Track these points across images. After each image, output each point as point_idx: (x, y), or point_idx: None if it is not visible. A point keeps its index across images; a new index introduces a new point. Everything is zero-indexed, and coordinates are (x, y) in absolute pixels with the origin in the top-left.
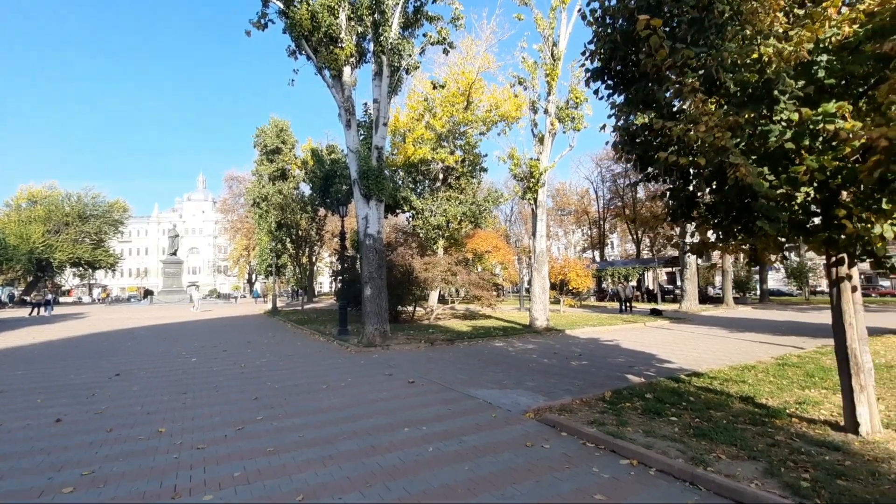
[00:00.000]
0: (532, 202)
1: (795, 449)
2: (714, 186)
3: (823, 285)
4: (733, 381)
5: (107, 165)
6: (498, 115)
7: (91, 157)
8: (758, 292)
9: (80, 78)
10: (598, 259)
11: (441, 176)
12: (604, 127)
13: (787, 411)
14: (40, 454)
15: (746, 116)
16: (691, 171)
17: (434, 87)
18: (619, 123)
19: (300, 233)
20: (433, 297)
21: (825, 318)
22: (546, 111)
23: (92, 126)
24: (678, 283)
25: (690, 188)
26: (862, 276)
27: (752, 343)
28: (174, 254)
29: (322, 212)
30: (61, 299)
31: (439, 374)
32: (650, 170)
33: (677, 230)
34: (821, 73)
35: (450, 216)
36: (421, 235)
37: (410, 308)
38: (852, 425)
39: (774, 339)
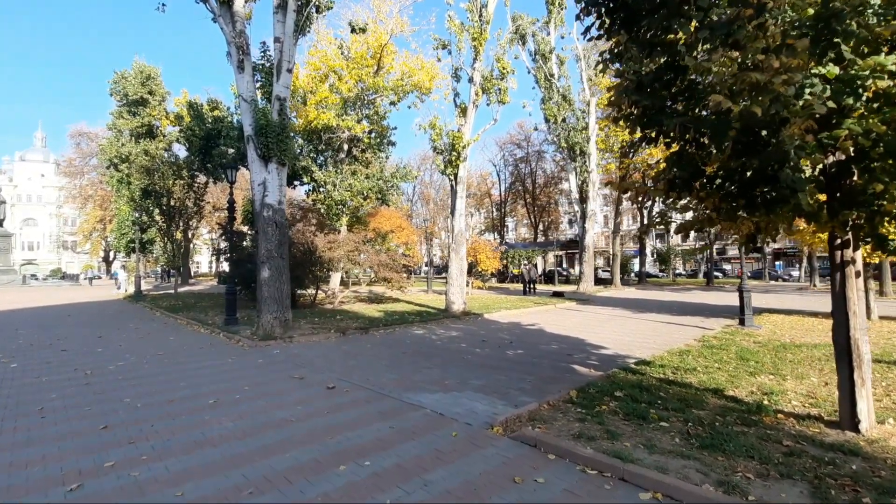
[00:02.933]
0: (452, 178)
1: (817, 458)
2: (739, 149)
3: (680, 268)
4: (683, 369)
5: None
6: (411, 85)
7: None
8: (633, 274)
9: None
10: (497, 241)
11: (346, 147)
12: (525, 106)
13: (765, 405)
14: None
15: (798, 62)
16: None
17: (353, 31)
18: (620, 68)
19: (173, 202)
20: (335, 279)
21: (699, 297)
22: (471, 80)
23: None
24: (564, 265)
25: (702, 152)
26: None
27: (662, 324)
28: (0, 224)
29: (202, 178)
30: None
31: (363, 373)
32: (652, 129)
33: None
34: (873, 20)
35: (355, 191)
36: (322, 211)
37: (310, 291)
38: (850, 422)
39: (677, 319)
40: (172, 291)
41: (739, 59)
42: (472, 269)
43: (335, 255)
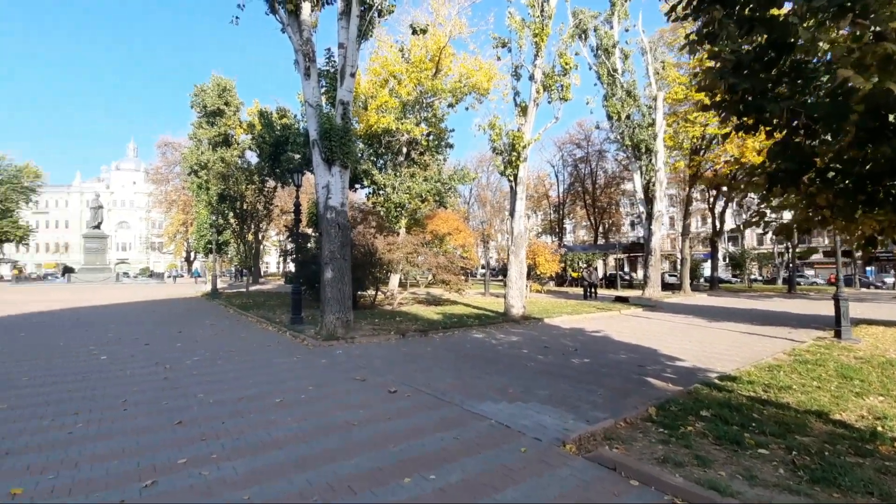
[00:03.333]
0: (512, 178)
1: None
2: (862, 136)
3: (756, 273)
4: (776, 387)
5: (16, 126)
6: (469, 86)
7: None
8: (703, 279)
9: None
10: (556, 244)
11: (405, 150)
12: (588, 102)
13: (880, 431)
14: None
15: None
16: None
17: (414, 32)
18: (715, 49)
19: (245, 206)
20: (394, 280)
21: (781, 305)
22: (531, 77)
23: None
24: (625, 268)
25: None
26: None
27: (743, 335)
28: (97, 227)
29: (271, 183)
30: None
31: (424, 378)
32: (751, 116)
33: (639, 213)
34: None
35: (413, 194)
36: (381, 214)
37: (370, 292)
38: None
39: (759, 329)
40: (244, 290)
41: (859, 33)
42: (529, 272)
43: (395, 257)
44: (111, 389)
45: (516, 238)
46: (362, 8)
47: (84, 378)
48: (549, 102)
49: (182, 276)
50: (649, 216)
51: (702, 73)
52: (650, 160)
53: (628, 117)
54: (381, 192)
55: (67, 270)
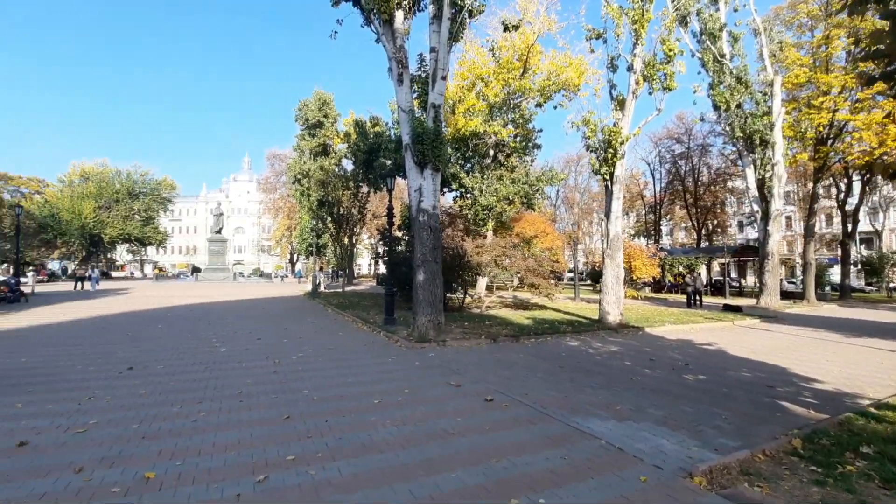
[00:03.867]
0: (608, 177)
1: None
2: None
3: None
4: None
5: (156, 146)
6: (558, 83)
7: (141, 138)
8: (829, 287)
9: (130, 59)
10: (654, 247)
11: (492, 152)
12: (696, 90)
13: None
14: None
15: None
16: None
17: (506, 29)
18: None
19: (342, 211)
20: (482, 283)
21: None
22: (630, 68)
23: (142, 106)
24: (733, 274)
25: None
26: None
27: (893, 353)
28: (219, 232)
29: (364, 189)
30: (113, 274)
31: (521, 386)
32: None
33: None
34: None
35: (501, 196)
36: (469, 217)
37: (459, 295)
38: None
39: None
40: (340, 290)
41: None
42: (625, 277)
43: (483, 260)
44: (230, 380)
45: (612, 241)
46: (453, 10)
47: (207, 368)
48: (650, 94)
49: (287, 276)
50: (765, 215)
51: (869, 37)
52: (765, 153)
53: (739, 106)
54: (468, 194)
55: (195, 270)
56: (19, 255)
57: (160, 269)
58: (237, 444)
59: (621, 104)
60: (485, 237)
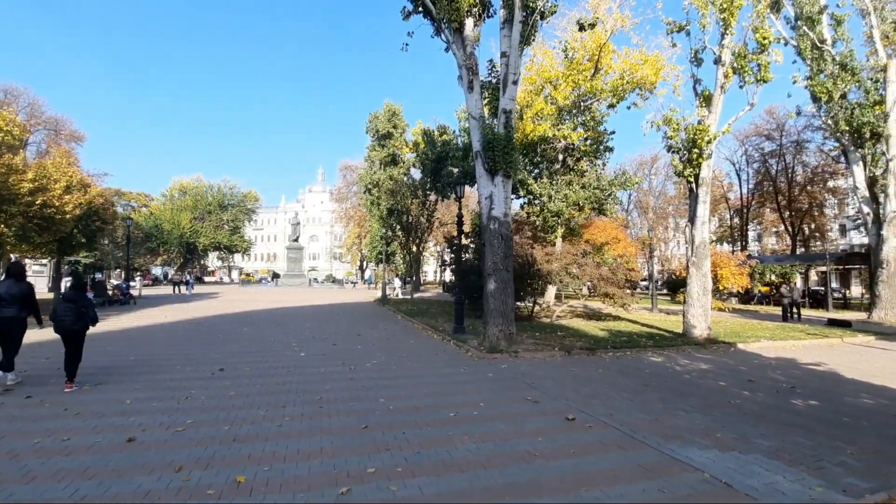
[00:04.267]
0: (693, 179)
1: None
2: None
3: None
4: None
5: (242, 161)
6: (632, 82)
7: (230, 154)
8: None
9: (223, 80)
10: (744, 254)
11: (560, 157)
12: (795, 81)
13: None
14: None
15: None
16: None
17: (581, 28)
18: None
19: (410, 219)
20: (551, 291)
21: None
22: (717, 60)
23: (230, 126)
24: (833, 284)
25: None
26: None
27: None
28: (296, 240)
29: (432, 197)
30: (206, 279)
31: (604, 406)
32: None
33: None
34: None
35: (570, 202)
36: (537, 223)
37: (527, 304)
38: None
39: None
40: (409, 297)
41: None
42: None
43: (553, 268)
44: (310, 385)
45: (698, 248)
46: (525, 13)
47: (289, 372)
48: (741, 87)
49: (357, 282)
50: (877, 218)
51: None
52: (876, 147)
53: (843, 96)
54: (536, 201)
55: (275, 276)
56: (130, 261)
57: (248, 275)
58: (319, 452)
59: (707, 100)
60: (553, 244)
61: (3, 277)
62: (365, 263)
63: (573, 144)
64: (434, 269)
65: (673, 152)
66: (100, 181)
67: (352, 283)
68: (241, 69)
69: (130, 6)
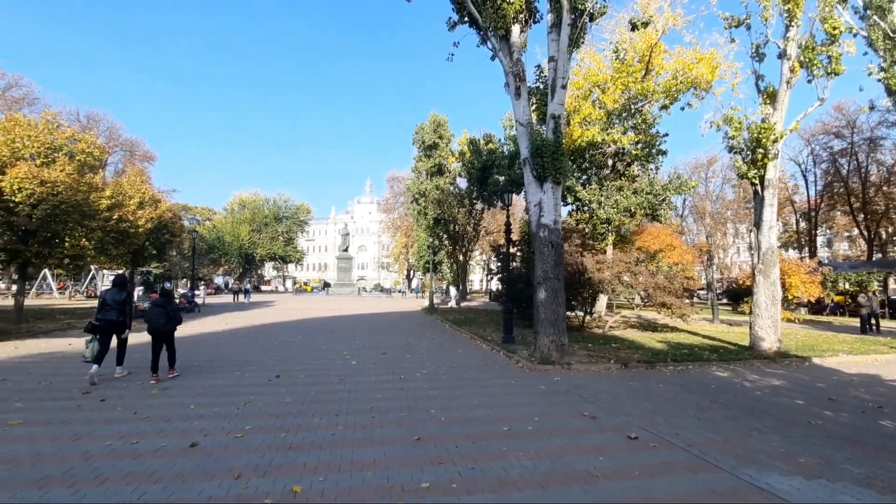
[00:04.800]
0: (757, 181)
1: None
2: None
3: None
4: None
5: (295, 174)
6: (687, 82)
7: (284, 167)
8: None
9: (275, 103)
10: (814, 261)
11: (610, 162)
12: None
13: None
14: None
15: None
16: None
17: (634, 28)
18: None
19: (457, 228)
20: (602, 301)
21: None
22: (782, 55)
23: (284, 139)
24: None
25: None
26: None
27: None
28: (345, 250)
29: (479, 206)
30: (262, 288)
31: (668, 424)
32: None
33: None
34: None
35: (621, 208)
36: (587, 231)
37: (579, 314)
38: None
39: None
40: (455, 306)
41: None
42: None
43: (604, 277)
44: (361, 394)
45: (764, 254)
46: (573, 16)
47: (341, 380)
48: (809, 81)
49: (403, 291)
50: None
51: None
52: None
53: None
54: (585, 208)
55: (326, 285)
56: (195, 271)
57: (305, 284)
58: (373, 463)
59: (772, 97)
60: (604, 252)
61: (109, 287)
62: (412, 273)
63: (623, 149)
64: (480, 279)
65: (735, 153)
66: (169, 197)
67: (401, 291)
68: (292, 84)
69: (189, 29)
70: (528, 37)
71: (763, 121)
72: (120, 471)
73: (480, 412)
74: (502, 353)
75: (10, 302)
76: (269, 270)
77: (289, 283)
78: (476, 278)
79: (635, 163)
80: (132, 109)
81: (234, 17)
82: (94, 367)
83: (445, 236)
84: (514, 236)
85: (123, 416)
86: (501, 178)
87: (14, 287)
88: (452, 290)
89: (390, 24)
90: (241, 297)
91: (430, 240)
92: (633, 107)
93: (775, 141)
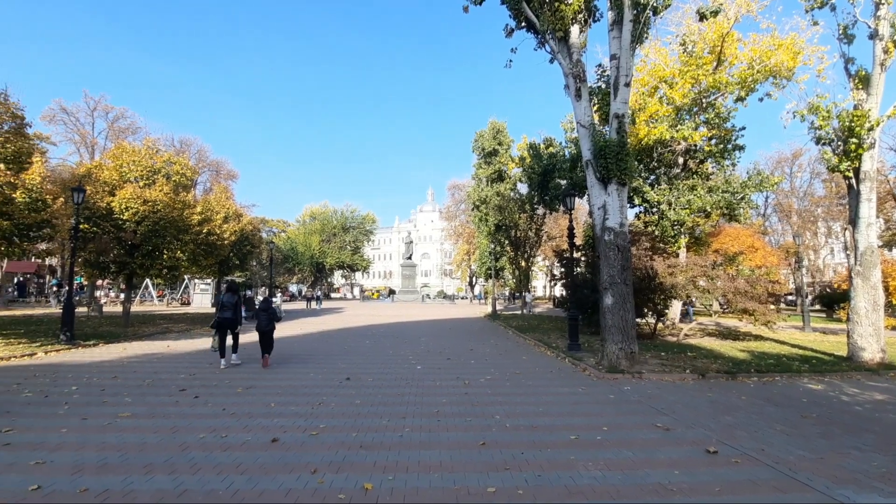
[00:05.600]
0: (851, 174)
1: None
2: None
3: None
4: None
5: (360, 184)
6: (765, 71)
7: (349, 178)
8: None
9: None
10: None
11: (680, 161)
12: None
13: None
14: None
15: None
16: None
17: (702, 18)
18: None
19: (518, 234)
20: (676, 307)
21: None
22: (873, 35)
23: (351, 151)
24: None
25: None
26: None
27: None
28: (409, 258)
29: (540, 211)
30: (332, 295)
31: (752, 438)
32: None
33: None
34: None
35: (694, 208)
36: (656, 234)
37: (650, 321)
38: None
39: None
40: (518, 312)
41: None
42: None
43: (677, 282)
44: (427, 398)
45: (863, 254)
46: (636, 11)
47: (408, 384)
48: None
49: (466, 298)
50: None
51: None
52: None
53: None
54: (653, 209)
55: (391, 292)
56: (272, 280)
57: (373, 292)
58: (439, 465)
59: (864, 81)
60: (676, 255)
61: (225, 291)
62: (474, 279)
63: (695, 145)
64: (543, 285)
65: (823, 144)
66: (249, 211)
67: (463, 298)
68: (357, 95)
69: (260, 46)
70: (588, 36)
71: (855, 107)
72: (212, 461)
73: (546, 420)
74: (568, 361)
75: (119, 308)
76: (337, 278)
77: (356, 291)
78: (539, 284)
79: (709, 160)
80: (216, 132)
81: (303, 36)
82: (223, 361)
83: (507, 242)
84: (578, 241)
85: (213, 411)
86: (563, 182)
87: (122, 295)
88: (527, 296)
89: (450, 33)
90: (314, 304)
91: (492, 246)
92: (704, 101)
93: (871, 129)
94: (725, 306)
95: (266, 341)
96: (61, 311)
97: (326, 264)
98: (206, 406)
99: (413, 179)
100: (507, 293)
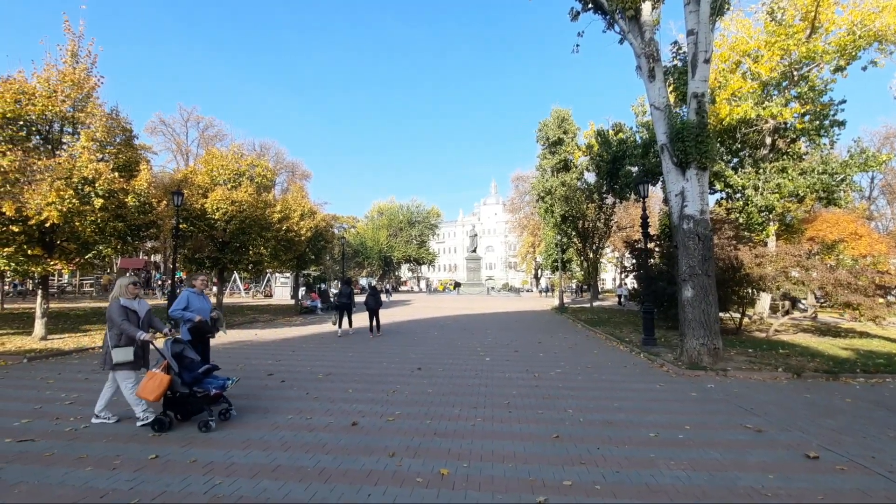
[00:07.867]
0: None
1: None
2: None
3: None
4: None
5: (425, 178)
6: (868, 36)
7: (415, 172)
8: None
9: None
10: None
11: (768, 141)
12: None
13: None
14: (317, 478)
15: None
16: None
17: None
18: None
19: (586, 225)
20: (764, 301)
21: None
22: None
23: (415, 145)
24: None
25: None
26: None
27: None
28: (474, 251)
29: (609, 200)
30: (400, 288)
31: (860, 444)
32: None
33: None
34: None
35: (785, 192)
36: (740, 221)
37: (735, 315)
38: None
39: None
40: (587, 305)
41: None
42: None
43: (766, 272)
44: (497, 389)
45: None
46: None
47: (477, 375)
48: None
49: (531, 290)
50: None
51: None
52: None
53: None
54: (737, 195)
55: (457, 285)
56: (344, 273)
57: (443, 285)
58: (513, 456)
59: None
60: (764, 244)
61: (342, 284)
62: (539, 272)
63: (785, 123)
64: (612, 277)
65: None
66: (322, 208)
67: (528, 290)
68: (421, 91)
69: (328, 45)
70: (661, 13)
71: None
72: (299, 440)
73: (622, 416)
74: (643, 356)
75: (213, 300)
76: (404, 272)
77: (422, 284)
78: (608, 277)
79: (801, 138)
80: (291, 135)
81: (361, 23)
82: (339, 330)
83: (574, 233)
84: (652, 230)
85: (298, 394)
86: (634, 169)
87: (215, 289)
88: (625, 287)
89: (514, 20)
90: (383, 297)
91: (558, 238)
92: (795, 73)
93: None
94: (823, 300)
95: (373, 318)
96: (166, 301)
97: (394, 258)
98: (292, 389)
99: (475, 173)
100: (574, 286)
